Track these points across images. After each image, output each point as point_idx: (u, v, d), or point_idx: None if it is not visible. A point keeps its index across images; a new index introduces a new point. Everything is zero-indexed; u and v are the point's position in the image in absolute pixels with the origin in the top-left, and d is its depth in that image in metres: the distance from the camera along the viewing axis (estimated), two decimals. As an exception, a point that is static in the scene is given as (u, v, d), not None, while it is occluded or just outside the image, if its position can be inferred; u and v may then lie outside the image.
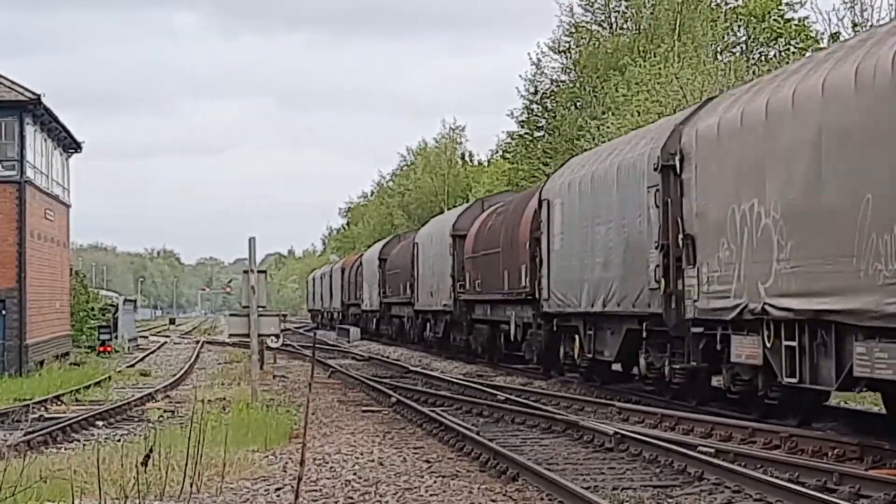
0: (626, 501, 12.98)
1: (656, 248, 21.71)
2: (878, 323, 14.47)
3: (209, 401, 23.50)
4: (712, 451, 15.59)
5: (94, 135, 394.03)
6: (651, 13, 57.02)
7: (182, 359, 47.46)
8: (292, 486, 12.70)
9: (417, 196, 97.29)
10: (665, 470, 14.95)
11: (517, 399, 24.25)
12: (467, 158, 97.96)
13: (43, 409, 25.16)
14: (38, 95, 37.37)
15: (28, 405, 24.70)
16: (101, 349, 50.32)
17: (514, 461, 14.81)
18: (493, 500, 12.97)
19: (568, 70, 62.93)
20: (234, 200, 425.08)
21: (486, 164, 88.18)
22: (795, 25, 54.66)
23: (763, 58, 51.90)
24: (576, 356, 28.01)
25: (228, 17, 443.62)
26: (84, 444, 19.12)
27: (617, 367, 27.36)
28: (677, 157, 20.94)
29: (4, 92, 37.18)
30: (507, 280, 33.57)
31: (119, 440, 18.89)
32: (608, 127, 47.04)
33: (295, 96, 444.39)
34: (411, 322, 52.42)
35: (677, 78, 43.31)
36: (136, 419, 23.74)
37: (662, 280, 21.37)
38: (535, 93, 64.65)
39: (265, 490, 13.76)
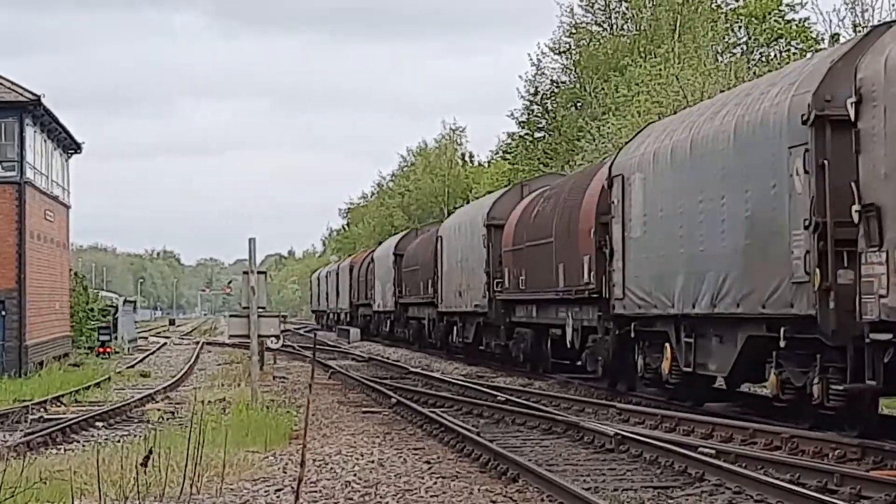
0: (627, 502, 12.96)
1: (805, 227, 16.37)
2: None
3: (209, 402, 23.48)
4: (713, 452, 15.57)
5: (94, 135, 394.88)
6: (651, 14, 57.05)
7: (182, 360, 47.44)
8: (292, 487, 12.68)
9: (417, 197, 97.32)
10: (666, 471, 14.93)
11: (517, 400, 24.23)
12: (467, 159, 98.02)
13: (42, 410, 25.12)
14: (38, 96, 37.36)
15: (28, 406, 24.71)
16: (101, 350, 50.29)
17: (515, 462, 14.79)
18: (494, 502, 12.95)
19: (568, 71, 63.03)
20: (233, 201, 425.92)
21: (486, 164, 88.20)
22: (796, 26, 54.64)
23: (764, 58, 51.87)
24: (664, 369, 22.14)
25: (228, 18, 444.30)
26: (84, 445, 19.12)
27: (720, 383, 22.24)
28: (851, 101, 15.26)
29: (4, 92, 37.17)
30: (561, 276, 28.31)
31: (119, 441, 18.89)
32: (608, 127, 47.07)
33: (295, 97, 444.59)
34: (433, 325, 47.19)
35: (678, 78, 43.32)
36: (136, 420, 23.72)
37: (817, 271, 16.06)
38: (536, 93, 64.77)
39: (265, 491, 13.74)
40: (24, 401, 26.25)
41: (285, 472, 15.18)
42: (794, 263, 16.72)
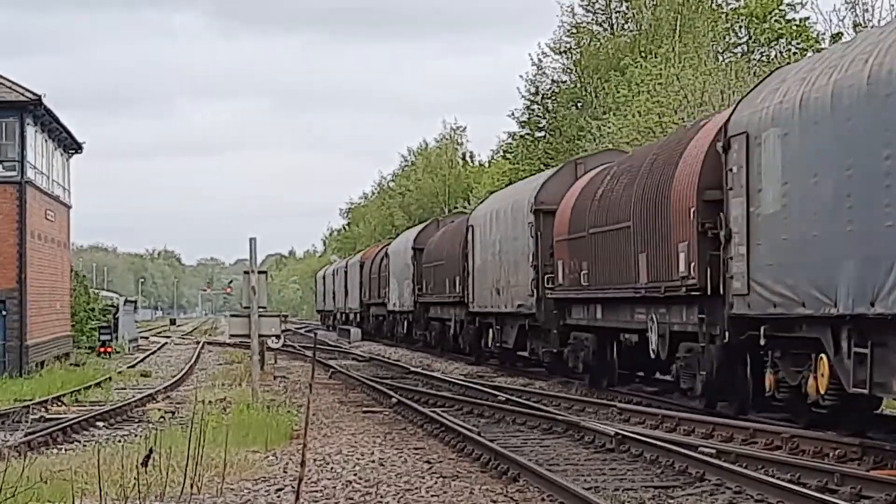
0: (628, 502, 12.96)
1: None
2: None
3: (210, 401, 23.49)
4: (713, 451, 15.58)
5: (95, 135, 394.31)
6: (652, 14, 57.05)
7: (182, 359, 47.46)
8: (293, 487, 12.68)
9: (418, 197, 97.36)
10: (666, 471, 14.93)
11: (518, 400, 24.23)
12: (468, 159, 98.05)
13: (43, 409, 25.14)
14: (39, 96, 37.38)
15: (28, 406, 24.73)
16: (102, 350, 50.34)
17: (515, 462, 14.80)
18: (494, 501, 12.96)
19: (569, 70, 63.04)
20: (234, 201, 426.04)
21: (486, 164, 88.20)
22: (796, 26, 54.64)
23: (764, 58, 51.88)
24: (811, 388, 16.69)
25: (228, 18, 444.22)
26: (84, 445, 19.13)
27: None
28: None
29: (5, 92, 37.19)
30: (643, 269, 23.22)
31: (119, 441, 18.90)
32: (609, 127, 47.07)
33: (295, 97, 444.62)
34: (462, 327, 41.49)
35: (678, 79, 43.31)
36: (137, 420, 23.74)
37: None
38: (536, 93, 64.78)
39: (266, 491, 13.74)
40: (25, 400, 26.28)
41: (286, 472, 15.19)
42: None
